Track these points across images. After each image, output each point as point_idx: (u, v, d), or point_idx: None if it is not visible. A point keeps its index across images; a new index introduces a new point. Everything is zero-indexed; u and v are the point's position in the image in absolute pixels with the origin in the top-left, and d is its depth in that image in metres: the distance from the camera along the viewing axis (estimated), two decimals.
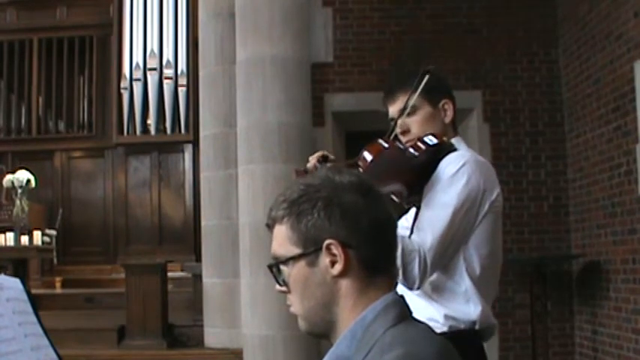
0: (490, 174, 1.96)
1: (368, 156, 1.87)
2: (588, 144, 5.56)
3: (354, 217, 1.10)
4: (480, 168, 1.91)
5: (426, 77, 2.00)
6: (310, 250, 1.11)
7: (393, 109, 2.06)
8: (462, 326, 1.87)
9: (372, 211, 1.12)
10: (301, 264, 1.12)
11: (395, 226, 1.17)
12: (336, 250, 1.10)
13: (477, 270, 1.89)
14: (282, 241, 1.14)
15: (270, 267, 1.17)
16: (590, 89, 5.48)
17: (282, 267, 1.15)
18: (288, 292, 1.16)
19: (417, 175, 1.93)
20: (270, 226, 1.17)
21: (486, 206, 1.89)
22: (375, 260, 1.12)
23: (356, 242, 1.10)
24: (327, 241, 1.10)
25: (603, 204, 5.29)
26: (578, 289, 5.88)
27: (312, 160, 2.01)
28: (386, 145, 1.91)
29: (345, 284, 1.11)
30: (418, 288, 1.83)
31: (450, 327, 1.86)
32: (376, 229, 1.12)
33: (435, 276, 1.89)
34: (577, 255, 5.80)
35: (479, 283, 1.89)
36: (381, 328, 1.07)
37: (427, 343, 1.05)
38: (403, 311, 1.11)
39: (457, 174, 1.87)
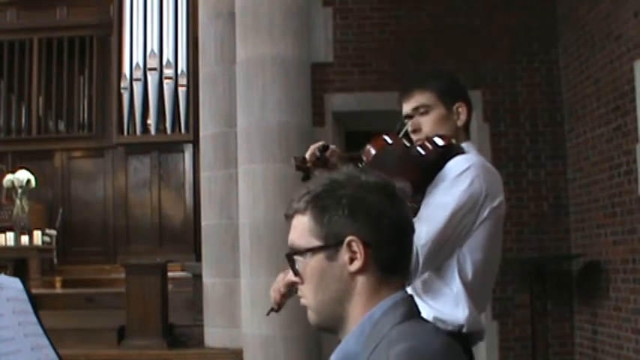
0: (495, 181, 1.95)
1: (372, 150, 1.88)
2: (588, 144, 5.55)
3: (377, 217, 1.12)
4: (485, 173, 1.91)
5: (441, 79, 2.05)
6: (331, 244, 1.12)
7: (407, 107, 2.07)
8: (450, 328, 1.86)
9: (394, 213, 1.14)
10: (320, 257, 1.14)
11: (413, 230, 1.19)
12: (357, 247, 1.11)
13: (470, 275, 1.88)
14: (303, 232, 1.15)
15: (287, 256, 1.18)
16: (590, 89, 5.47)
17: (297, 257, 1.16)
18: (301, 283, 1.17)
19: (421, 174, 1.93)
20: (289, 217, 1.18)
21: (486, 212, 1.89)
22: (392, 261, 1.14)
23: (376, 242, 1.12)
24: (349, 238, 1.11)
25: (603, 204, 5.29)
26: (578, 289, 5.88)
27: (312, 148, 1.99)
28: (390, 141, 1.91)
29: (360, 281, 1.13)
30: (408, 285, 1.83)
31: None
32: (396, 231, 1.14)
33: (427, 276, 1.90)
34: (577, 255, 5.79)
35: (470, 287, 1.89)
36: (388, 325, 1.09)
37: (432, 339, 1.07)
38: (411, 309, 1.14)
39: (461, 176, 1.87)
